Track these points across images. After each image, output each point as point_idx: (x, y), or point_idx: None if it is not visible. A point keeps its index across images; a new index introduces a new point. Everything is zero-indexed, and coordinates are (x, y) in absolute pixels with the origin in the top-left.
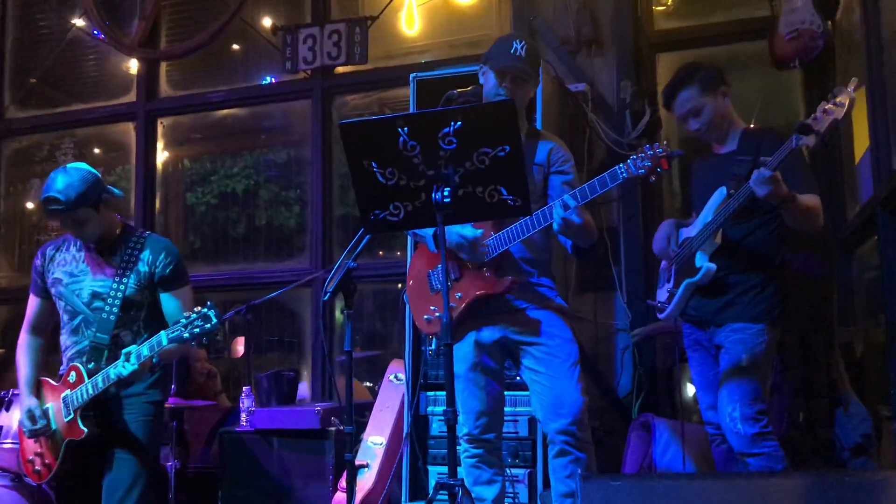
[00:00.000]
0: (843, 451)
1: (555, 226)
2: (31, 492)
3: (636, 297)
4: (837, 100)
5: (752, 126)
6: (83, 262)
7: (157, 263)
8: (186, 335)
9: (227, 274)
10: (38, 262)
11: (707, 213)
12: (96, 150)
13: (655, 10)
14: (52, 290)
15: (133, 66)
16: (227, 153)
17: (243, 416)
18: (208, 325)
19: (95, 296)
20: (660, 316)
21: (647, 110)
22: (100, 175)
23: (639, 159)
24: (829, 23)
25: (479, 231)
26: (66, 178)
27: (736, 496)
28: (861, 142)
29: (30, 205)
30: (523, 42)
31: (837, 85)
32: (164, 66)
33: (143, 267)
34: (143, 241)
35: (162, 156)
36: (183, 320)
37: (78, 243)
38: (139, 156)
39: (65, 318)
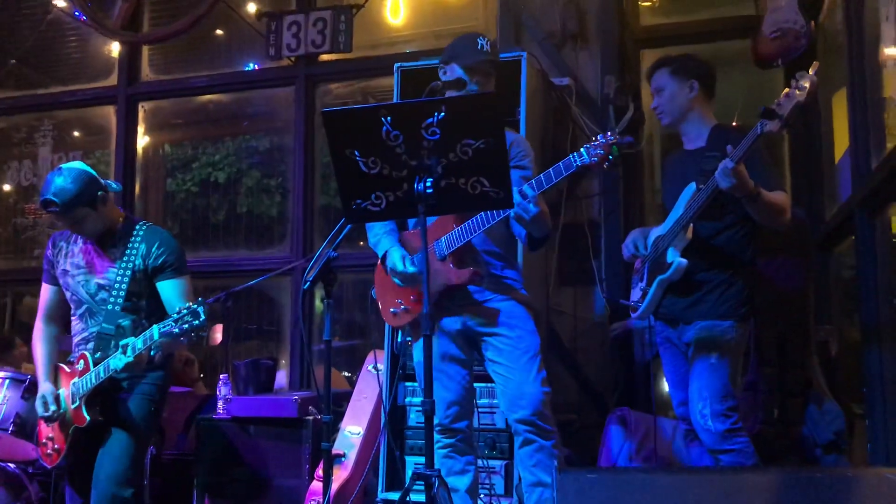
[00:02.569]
0: (816, 447)
1: (511, 213)
2: (5, 477)
3: (616, 292)
4: (800, 83)
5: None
6: (89, 254)
7: (151, 254)
8: (177, 330)
9: (207, 261)
10: (48, 251)
11: (678, 209)
12: (76, 134)
13: (641, 5)
14: (61, 281)
15: (115, 48)
16: (208, 139)
17: (220, 404)
18: (196, 322)
19: (101, 287)
20: (633, 315)
21: (631, 106)
22: (95, 174)
23: (592, 147)
24: (813, 23)
25: (413, 269)
26: (61, 180)
27: (709, 491)
28: (841, 142)
29: (7, 187)
30: (485, 38)
31: (819, 86)
32: (146, 49)
33: (138, 259)
34: (142, 232)
35: (142, 141)
36: (174, 315)
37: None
38: (119, 140)
39: (73, 307)
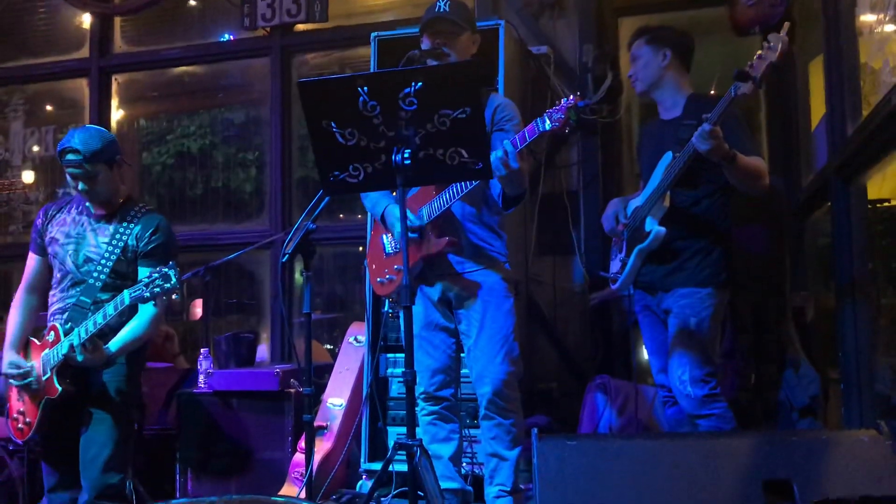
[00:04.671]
0: (793, 411)
1: (492, 167)
2: None
3: (594, 261)
4: (772, 44)
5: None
6: (81, 225)
7: (144, 237)
8: (147, 294)
9: (185, 235)
10: (38, 220)
11: (655, 178)
12: (48, 108)
13: None
14: (49, 249)
15: (86, 20)
16: (183, 112)
17: (201, 378)
18: (168, 285)
19: (88, 260)
20: (612, 287)
21: (609, 74)
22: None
23: (554, 111)
24: None
25: (417, 221)
26: (85, 132)
27: (687, 455)
28: (818, 109)
29: None
30: (447, 0)
31: (796, 54)
32: (118, 21)
33: (131, 241)
34: (140, 215)
35: (117, 114)
36: (145, 279)
37: (80, 207)
38: (93, 114)
39: (57, 276)
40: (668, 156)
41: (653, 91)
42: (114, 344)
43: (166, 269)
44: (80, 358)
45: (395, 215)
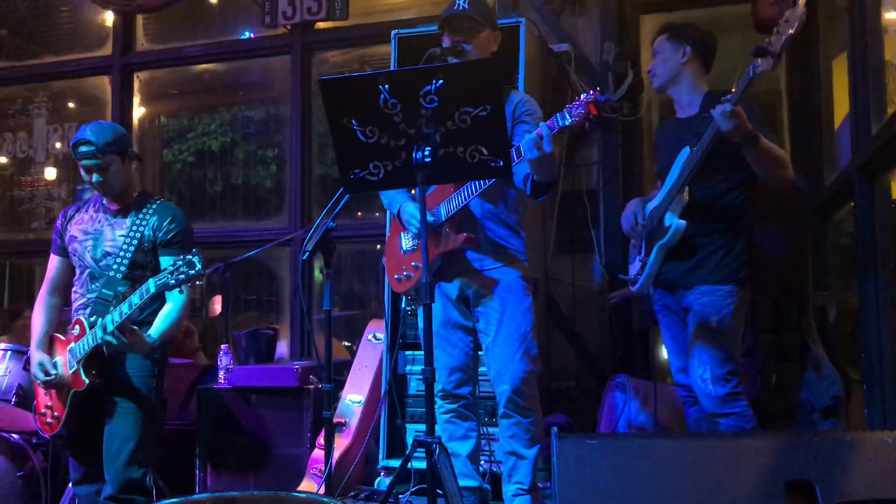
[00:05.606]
0: (814, 412)
1: (525, 150)
2: (9, 447)
3: (614, 260)
4: (788, 19)
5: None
6: (98, 222)
7: (162, 227)
8: (172, 281)
9: (205, 232)
10: (59, 222)
11: (672, 175)
12: (70, 105)
13: None
14: (69, 248)
15: (108, 18)
16: (204, 109)
17: (221, 374)
18: (192, 272)
19: (106, 254)
20: (633, 289)
21: (630, 72)
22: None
23: (574, 107)
24: None
25: (433, 217)
26: (97, 125)
27: (707, 455)
28: (841, 108)
29: (2, 159)
30: None
31: (820, 51)
32: (140, 18)
33: (148, 231)
34: (155, 207)
35: (138, 111)
36: (170, 268)
37: (97, 204)
38: (115, 111)
39: (77, 272)
40: (686, 151)
41: (670, 87)
42: (155, 331)
43: (190, 257)
44: (114, 342)
45: (410, 213)
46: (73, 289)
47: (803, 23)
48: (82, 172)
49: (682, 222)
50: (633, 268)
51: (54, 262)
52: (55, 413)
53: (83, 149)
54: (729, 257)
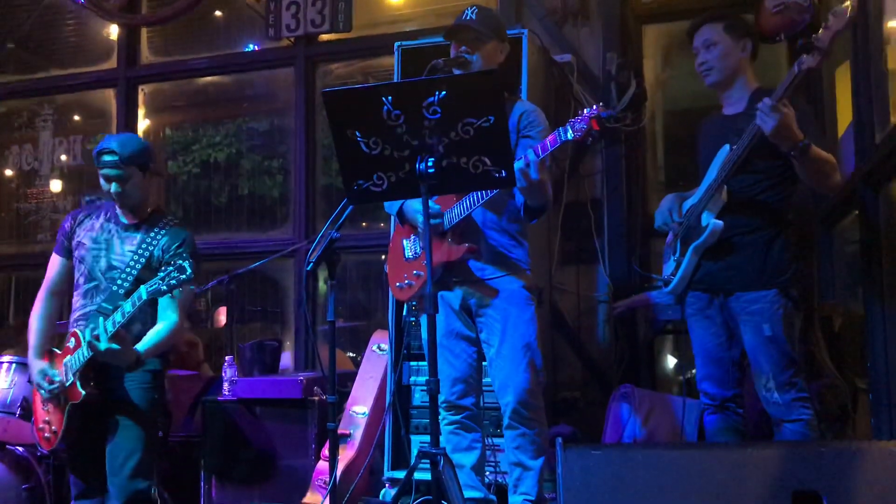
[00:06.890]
0: (821, 422)
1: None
2: (14, 460)
3: (618, 270)
4: (837, 15)
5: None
6: (109, 232)
7: (171, 250)
8: (164, 287)
9: (210, 243)
10: (66, 224)
11: (710, 174)
12: (76, 118)
13: None
14: (75, 253)
15: (114, 31)
16: (209, 121)
17: (226, 386)
18: (184, 276)
19: (111, 267)
20: (665, 290)
21: (633, 82)
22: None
23: (577, 121)
24: None
25: (437, 207)
26: (124, 136)
27: (713, 466)
28: (844, 116)
29: (8, 171)
30: (475, 7)
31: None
32: (145, 31)
33: (157, 250)
34: (167, 228)
35: (143, 123)
36: (160, 274)
37: (108, 214)
38: (120, 123)
39: (80, 280)
40: (726, 149)
41: (726, 83)
42: (142, 345)
43: (181, 262)
44: (102, 347)
45: (414, 207)
46: (75, 298)
47: (854, 17)
48: (102, 181)
49: (720, 222)
50: (668, 267)
51: (57, 263)
52: (53, 427)
53: (107, 158)
54: (768, 258)
